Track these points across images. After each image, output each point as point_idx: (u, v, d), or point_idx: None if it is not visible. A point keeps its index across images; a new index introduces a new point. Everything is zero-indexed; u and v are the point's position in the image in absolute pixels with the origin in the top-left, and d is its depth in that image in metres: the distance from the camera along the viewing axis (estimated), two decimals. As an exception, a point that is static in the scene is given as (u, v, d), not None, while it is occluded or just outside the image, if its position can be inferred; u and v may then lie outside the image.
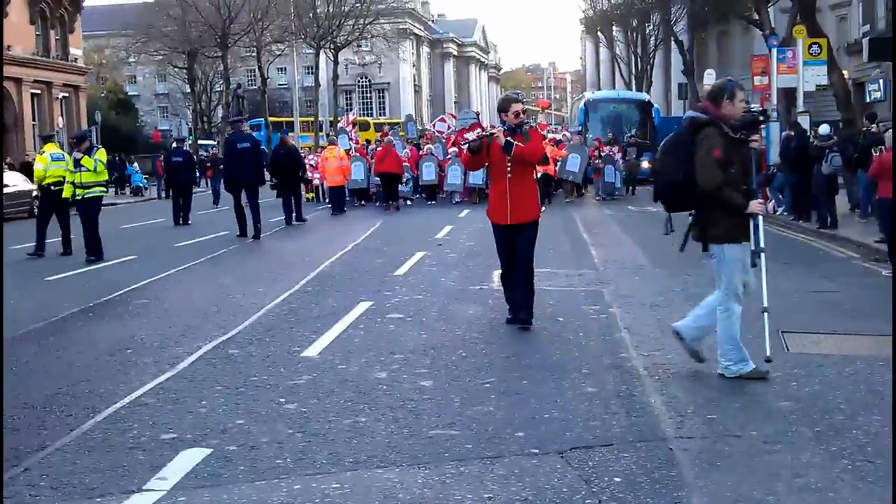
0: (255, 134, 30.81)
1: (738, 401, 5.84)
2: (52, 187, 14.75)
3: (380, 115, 78.46)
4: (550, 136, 28.09)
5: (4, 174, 21.86)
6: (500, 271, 8.70)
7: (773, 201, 19.31)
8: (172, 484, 4.57)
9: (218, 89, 59.79)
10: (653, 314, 8.82)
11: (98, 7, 58.04)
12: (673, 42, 48.11)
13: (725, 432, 5.22)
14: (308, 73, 67.69)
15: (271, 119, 56.36)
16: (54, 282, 12.03)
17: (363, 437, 5.23)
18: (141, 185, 37.81)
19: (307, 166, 24.68)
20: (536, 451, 4.95)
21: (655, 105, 39.81)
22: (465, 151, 8.42)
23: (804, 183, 17.20)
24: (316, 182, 26.82)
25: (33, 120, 38.12)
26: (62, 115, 39.39)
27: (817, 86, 24.02)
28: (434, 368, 6.83)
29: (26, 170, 24.28)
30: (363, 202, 25.36)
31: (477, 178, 22.82)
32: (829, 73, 23.49)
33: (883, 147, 13.71)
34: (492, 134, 7.98)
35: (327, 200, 24.67)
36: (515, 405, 5.83)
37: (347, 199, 24.16)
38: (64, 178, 14.46)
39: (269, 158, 22.89)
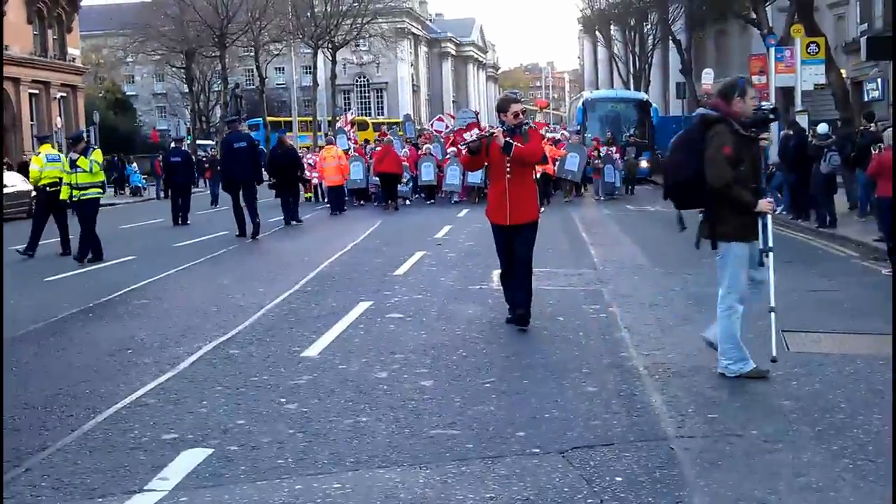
0: (253, 134, 30.86)
1: (739, 400, 5.84)
2: (48, 188, 14.73)
3: (378, 114, 78.50)
4: (549, 135, 28.08)
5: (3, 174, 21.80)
6: (499, 271, 8.70)
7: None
8: (174, 484, 4.57)
9: (216, 89, 59.77)
10: (652, 313, 8.82)
11: (96, 7, 57.93)
12: (671, 41, 48.10)
13: (726, 431, 5.23)
14: (306, 72, 67.70)
15: (269, 119, 56.37)
16: (54, 282, 12.02)
17: (364, 437, 5.24)
18: (139, 185, 37.78)
19: (305, 166, 24.67)
20: (538, 450, 4.96)
21: (653, 104, 39.82)
22: (464, 152, 8.42)
23: (803, 182, 17.20)
24: (315, 182, 26.82)
25: (31, 120, 38.10)
26: (60, 115, 39.37)
27: (815, 85, 24.04)
28: (434, 368, 6.83)
29: (24, 170, 24.28)
30: (362, 202, 25.36)
31: (476, 177, 22.81)
32: (827, 72, 23.50)
33: (882, 145, 13.72)
34: (491, 134, 7.97)
35: (326, 200, 24.66)
36: (516, 405, 5.83)
37: (346, 198, 24.15)
38: (60, 179, 14.43)
39: (266, 158, 22.87)
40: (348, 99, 78.57)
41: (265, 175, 20.53)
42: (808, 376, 6.36)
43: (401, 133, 29.42)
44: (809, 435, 5.15)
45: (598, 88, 63.07)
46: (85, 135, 18.70)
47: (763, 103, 6.68)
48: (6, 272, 11.04)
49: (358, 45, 66.28)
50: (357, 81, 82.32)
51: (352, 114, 32.35)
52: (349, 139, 27.43)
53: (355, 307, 9.33)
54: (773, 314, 6.27)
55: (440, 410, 5.74)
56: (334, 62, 57.28)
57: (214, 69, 57.32)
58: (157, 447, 5.13)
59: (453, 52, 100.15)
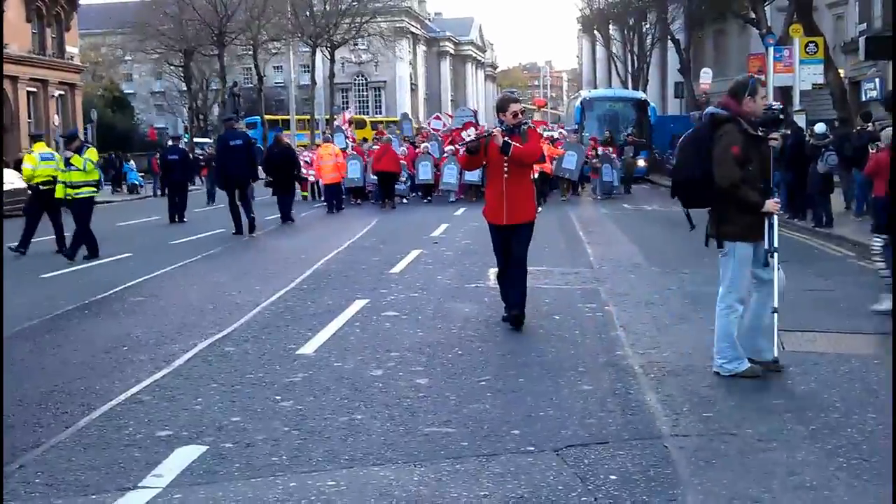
0: (250, 132, 30.84)
1: (734, 399, 5.85)
2: (41, 187, 14.68)
3: (376, 113, 78.50)
4: (547, 133, 28.09)
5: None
6: (495, 269, 8.70)
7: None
8: (168, 481, 4.57)
9: (214, 87, 59.75)
10: (648, 312, 8.82)
11: (94, 5, 57.93)
12: (669, 41, 48.16)
13: (721, 430, 5.23)
14: (304, 71, 67.60)
15: (267, 117, 56.32)
16: (49, 279, 12.01)
17: (359, 435, 5.23)
18: (137, 182, 37.75)
19: (302, 163, 24.63)
20: (532, 448, 4.96)
21: (652, 104, 39.86)
22: (461, 152, 8.40)
23: (800, 181, 17.21)
24: (311, 180, 26.79)
25: (29, 118, 38.05)
26: (58, 114, 39.35)
27: (813, 84, 24.08)
28: (430, 366, 6.83)
29: (20, 168, 24.22)
30: (359, 201, 25.34)
31: (473, 175, 22.79)
32: (825, 72, 23.55)
33: (879, 144, 13.72)
34: (490, 134, 7.96)
35: (323, 199, 24.65)
36: (511, 403, 5.83)
37: (344, 196, 24.13)
38: (54, 177, 14.40)
39: (263, 156, 22.84)
40: (346, 98, 78.51)
41: (261, 173, 20.55)
42: (802, 375, 6.37)
43: (398, 132, 29.41)
44: (804, 434, 5.15)
45: (596, 87, 63.07)
46: (80, 133, 18.64)
47: (773, 103, 6.64)
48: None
49: (356, 44, 66.27)
50: (355, 80, 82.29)
51: (350, 112, 32.30)
52: (347, 138, 27.41)
53: (351, 305, 9.33)
54: (775, 315, 6.25)
55: (435, 408, 5.74)
56: (333, 61, 57.24)
57: (213, 68, 57.28)
58: (152, 444, 5.12)
59: (452, 51, 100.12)
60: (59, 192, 14.15)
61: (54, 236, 14.85)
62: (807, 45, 23.34)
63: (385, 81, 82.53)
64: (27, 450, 5.08)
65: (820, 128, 17.58)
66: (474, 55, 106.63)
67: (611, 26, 62.90)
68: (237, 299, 9.86)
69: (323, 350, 7.40)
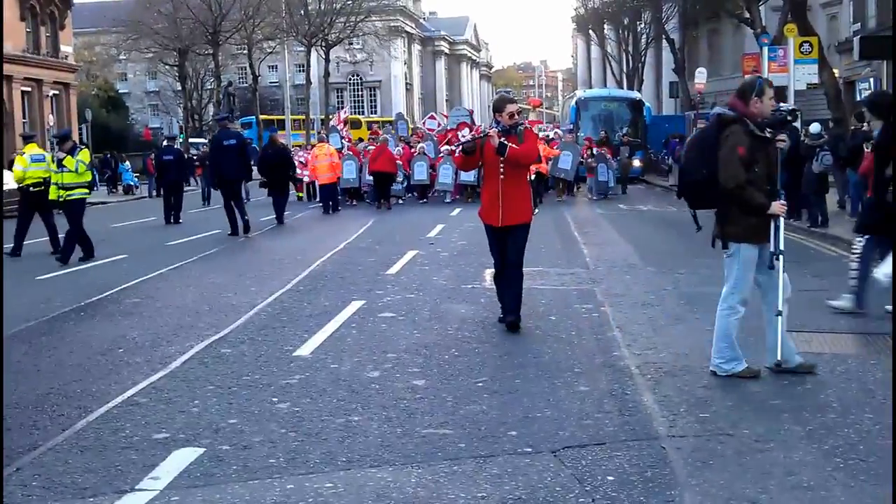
0: (245, 132, 30.80)
1: (731, 399, 5.85)
2: (32, 188, 14.63)
3: (371, 113, 78.47)
4: (542, 133, 28.09)
5: (-4, 173, 21.71)
6: (492, 270, 8.70)
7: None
8: (165, 484, 4.57)
9: (209, 87, 59.68)
10: (644, 313, 8.83)
11: (88, 4, 57.58)
12: (664, 40, 48.17)
13: (718, 431, 5.24)
14: (299, 70, 67.58)
15: (262, 117, 56.29)
16: (45, 281, 11.99)
17: (356, 437, 5.23)
18: (132, 183, 37.69)
19: (296, 163, 24.61)
20: (529, 449, 4.96)
21: (647, 103, 39.88)
22: (457, 152, 8.39)
23: (795, 181, 17.21)
24: (306, 180, 26.75)
25: (23, 118, 37.93)
26: (52, 113, 39.24)
27: (808, 84, 24.07)
28: (427, 367, 6.83)
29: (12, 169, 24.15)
30: (354, 201, 25.32)
31: (468, 176, 22.80)
32: (819, 72, 23.55)
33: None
34: (486, 134, 7.95)
35: (318, 199, 24.63)
36: (508, 404, 5.83)
37: (339, 197, 24.11)
38: (45, 178, 14.34)
39: (258, 156, 22.82)
40: (341, 97, 78.50)
41: (255, 173, 20.52)
42: (799, 376, 6.36)
43: (393, 132, 29.38)
44: (801, 434, 5.16)
45: (591, 87, 63.11)
46: (72, 133, 18.60)
47: (782, 104, 6.61)
48: (-3, 271, 10.99)
49: (351, 44, 66.35)
50: (350, 80, 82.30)
51: (345, 112, 32.24)
52: (343, 137, 27.37)
53: (348, 306, 9.32)
54: (779, 318, 6.23)
55: (432, 410, 5.74)
56: (327, 60, 57.24)
57: (207, 67, 57.24)
58: (149, 446, 5.12)
59: (447, 51, 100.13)
60: (53, 193, 14.09)
61: (48, 238, 14.81)
62: (801, 45, 23.34)
63: (380, 81, 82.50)
64: (24, 452, 5.08)
65: (815, 128, 17.59)
66: (469, 55, 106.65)
67: (605, 26, 62.95)
68: (233, 301, 9.86)
69: (319, 352, 7.40)
